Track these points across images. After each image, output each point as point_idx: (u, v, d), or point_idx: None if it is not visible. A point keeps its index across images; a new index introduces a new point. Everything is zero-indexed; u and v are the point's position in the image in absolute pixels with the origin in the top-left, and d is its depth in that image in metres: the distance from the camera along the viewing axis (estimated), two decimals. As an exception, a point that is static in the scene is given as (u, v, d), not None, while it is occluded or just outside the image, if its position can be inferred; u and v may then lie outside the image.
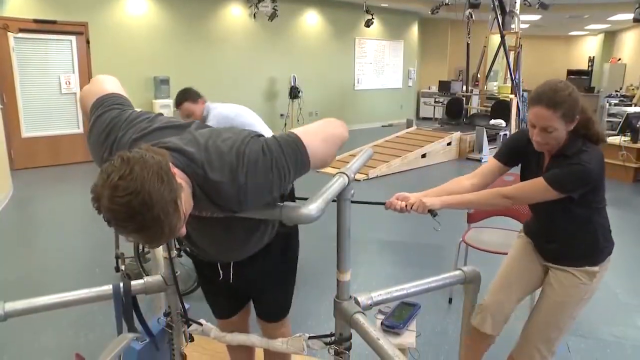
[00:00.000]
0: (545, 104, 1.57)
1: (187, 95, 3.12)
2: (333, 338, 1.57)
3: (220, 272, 1.67)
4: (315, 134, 1.26)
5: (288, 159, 1.17)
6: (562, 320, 1.83)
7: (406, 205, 1.78)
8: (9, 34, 6.74)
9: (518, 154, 1.90)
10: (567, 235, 1.81)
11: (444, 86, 11.68)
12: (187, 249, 1.88)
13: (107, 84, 1.38)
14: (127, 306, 1.69)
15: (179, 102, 3.11)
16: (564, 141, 1.67)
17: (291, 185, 1.26)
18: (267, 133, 2.95)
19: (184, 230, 1.10)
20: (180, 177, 1.08)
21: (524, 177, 1.89)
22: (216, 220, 1.36)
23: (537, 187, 1.67)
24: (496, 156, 1.96)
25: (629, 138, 6.65)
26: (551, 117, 1.57)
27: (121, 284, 1.69)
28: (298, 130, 1.25)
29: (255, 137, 1.20)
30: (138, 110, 1.32)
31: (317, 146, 1.24)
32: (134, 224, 0.96)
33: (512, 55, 9.47)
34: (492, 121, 9.16)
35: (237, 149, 1.14)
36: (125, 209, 0.94)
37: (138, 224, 0.96)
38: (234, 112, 3.05)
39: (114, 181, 0.94)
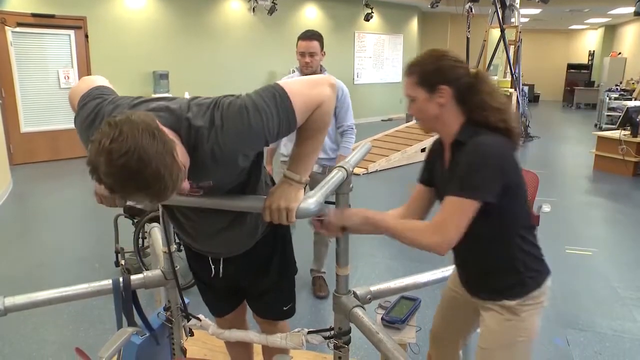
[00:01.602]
0: (405, 72, 1.45)
1: (321, 38, 2.95)
2: (332, 332, 1.57)
3: (212, 268, 1.66)
4: (296, 87, 1.23)
5: (267, 102, 1.17)
6: None
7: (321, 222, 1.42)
8: (6, 28, 6.72)
9: (434, 164, 1.58)
10: (480, 259, 1.48)
11: (444, 80, 11.63)
12: (182, 242, 1.88)
13: (95, 82, 1.39)
14: (126, 301, 1.69)
15: (311, 36, 2.88)
16: (458, 128, 1.41)
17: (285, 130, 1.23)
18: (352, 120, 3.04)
19: (186, 185, 1.13)
20: (170, 134, 1.09)
21: (434, 184, 1.59)
22: (209, 208, 1.36)
23: (453, 206, 1.32)
24: (419, 178, 1.65)
25: (629, 132, 6.65)
26: (408, 84, 1.42)
27: (121, 279, 1.69)
28: (281, 82, 1.25)
29: (236, 95, 1.22)
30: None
31: (297, 88, 1.22)
32: (135, 183, 0.97)
33: (512, 49, 9.45)
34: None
35: (217, 101, 1.18)
36: (124, 170, 0.95)
37: (140, 182, 0.97)
38: (347, 90, 2.99)
39: (107, 146, 0.94)
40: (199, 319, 1.75)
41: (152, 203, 1.24)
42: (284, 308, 1.79)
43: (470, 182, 1.30)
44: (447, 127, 1.43)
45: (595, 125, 11.12)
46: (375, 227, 1.39)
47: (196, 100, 1.20)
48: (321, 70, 2.99)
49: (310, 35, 2.89)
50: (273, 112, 1.17)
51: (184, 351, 1.95)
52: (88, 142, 1.20)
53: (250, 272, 1.68)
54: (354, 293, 1.59)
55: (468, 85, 1.39)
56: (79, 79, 1.48)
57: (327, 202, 1.40)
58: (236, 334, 1.69)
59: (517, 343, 1.45)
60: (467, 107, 1.40)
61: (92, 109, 1.25)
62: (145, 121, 0.99)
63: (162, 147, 0.98)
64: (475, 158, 1.31)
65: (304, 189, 1.36)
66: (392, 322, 1.95)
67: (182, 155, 1.09)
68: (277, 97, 1.18)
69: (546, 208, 3.02)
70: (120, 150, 0.94)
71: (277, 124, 1.19)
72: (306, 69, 2.90)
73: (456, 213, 1.31)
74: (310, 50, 2.86)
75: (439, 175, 1.54)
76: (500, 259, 1.43)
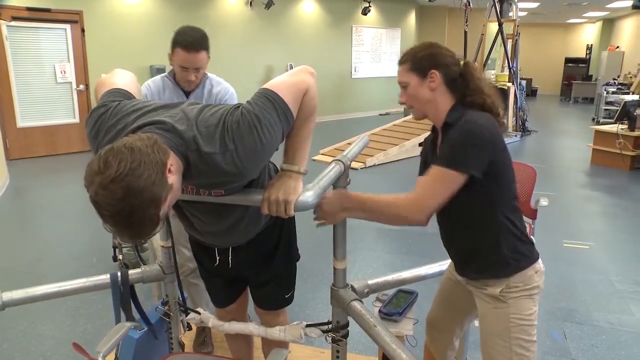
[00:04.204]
0: (398, 62, 1.57)
1: (208, 44, 2.17)
2: (330, 326, 1.57)
3: (217, 257, 1.68)
4: (280, 82, 1.29)
5: (268, 110, 1.21)
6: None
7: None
8: (1, 22, 6.67)
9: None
10: (466, 237, 1.50)
11: (442, 74, 11.60)
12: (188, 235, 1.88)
13: (117, 77, 1.44)
14: (124, 295, 1.69)
15: (198, 47, 2.11)
16: (447, 110, 1.47)
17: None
18: None
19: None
20: (174, 168, 1.10)
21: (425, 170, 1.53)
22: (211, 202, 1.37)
23: (435, 177, 1.38)
24: (419, 172, 1.63)
25: (626, 126, 6.65)
26: (401, 71, 1.53)
27: (119, 273, 1.69)
28: (266, 84, 1.29)
29: (237, 106, 1.23)
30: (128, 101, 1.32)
31: (283, 84, 1.28)
32: (109, 219, 1.02)
33: (509, 43, 9.44)
34: (490, 109, 9.13)
35: (224, 120, 1.18)
36: (106, 207, 0.99)
37: (112, 220, 1.02)
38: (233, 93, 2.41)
39: (107, 180, 0.97)
40: (198, 312, 1.76)
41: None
42: (286, 296, 1.81)
43: (455, 154, 1.35)
44: (438, 111, 1.48)
45: (593, 119, 11.13)
46: (359, 208, 1.41)
47: (201, 115, 1.20)
48: (213, 82, 2.32)
49: (197, 45, 2.11)
50: (275, 119, 1.21)
51: (182, 345, 1.95)
52: (95, 153, 1.25)
53: (256, 261, 1.70)
54: (352, 287, 1.60)
55: (457, 72, 1.48)
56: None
57: None
58: (236, 326, 1.69)
59: (510, 329, 1.46)
60: (458, 91, 1.47)
61: (95, 121, 1.27)
62: (154, 175, 1.01)
63: (153, 209, 1.02)
64: (462, 133, 1.36)
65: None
66: (390, 315, 1.96)
67: (171, 201, 1.10)
68: (272, 100, 1.22)
69: (544, 202, 3.02)
70: (115, 193, 0.97)
71: (281, 129, 1.24)
72: (188, 86, 2.23)
73: (436, 182, 1.37)
74: (197, 65, 2.14)
75: (429, 159, 1.57)
76: (485, 237, 1.45)
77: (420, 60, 1.48)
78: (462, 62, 1.51)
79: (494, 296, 1.47)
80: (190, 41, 2.10)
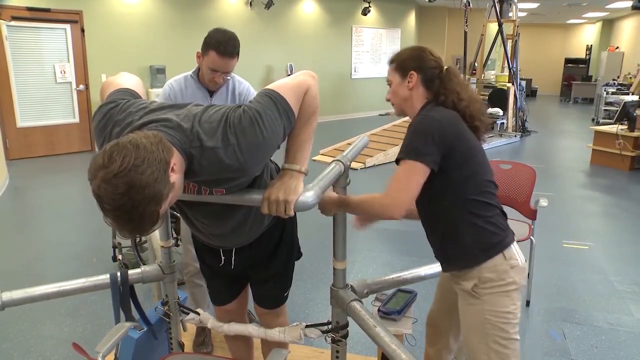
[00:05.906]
0: (388, 61, 1.69)
1: (239, 49, 2.23)
2: (330, 326, 1.57)
3: (222, 257, 1.68)
4: (282, 84, 1.32)
5: (269, 107, 1.23)
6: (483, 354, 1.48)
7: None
8: (1, 21, 6.67)
9: None
10: (433, 227, 1.56)
11: (442, 75, 11.61)
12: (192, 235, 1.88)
13: (124, 79, 1.48)
14: (124, 295, 1.69)
15: (232, 52, 2.18)
16: (420, 108, 1.56)
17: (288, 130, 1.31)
18: None
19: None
20: (177, 167, 1.12)
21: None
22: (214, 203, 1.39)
23: (400, 170, 1.44)
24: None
25: (626, 126, 6.66)
26: (389, 70, 1.65)
27: (118, 273, 1.69)
28: (267, 86, 1.32)
29: (239, 105, 1.26)
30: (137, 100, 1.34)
31: (284, 85, 1.31)
32: (110, 213, 1.03)
33: (509, 43, 9.44)
34: (490, 110, 9.15)
35: (226, 117, 1.20)
36: (108, 201, 1.01)
37: (113, 214, 1.03)
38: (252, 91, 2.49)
39: (110, 175, 0.99)
40: (197, 312, 1.76)
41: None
42: (284, 294, 1.82)
43: (411, 145, 1.43)
44: (413, 108, 1.59)
45: (593, 119, 11.13)
46: (345, 209, 1.48)
47: (205, 115, 1.22)
48: (235, 82, 2.42)
49: (232, 51, 2.17)
50: (276, 115, 1.23)
51: (181, 345, 1.95)
52: (100, 146, 1.29)
53: (258, 260, 1.71)
54: (352, 287, 1.60)
55: (436, 74, 1.56)
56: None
57: None
58: (235, 328, 1.69)
59: (485, 325, 1.46)
60: (435, 91, 1.56)
61: (104, 115, 1.29)
62: (156, 171, 1.02)
63: (154, 205, 1.04)
64: (413, 125, 1.47)
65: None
66: (389, 314, 1.97)
67: (172, 199, 1.12)
68: (273, 99, 1.25)
69: (543, 202, 3.03)
70: (117, 188, 0.99)
71: (282, 126, 1.26)
72: (214, 86, 2.30)
73: (404, 175, 1.42)
74: (228, 69, 2.22)
75: None
76: (446, 228, 1.50)
77: (404, 62, 1.59)
78: (445, 68, 1.58)
79: (467, 292, 1.49)
80: (226, 47, 2.14)
